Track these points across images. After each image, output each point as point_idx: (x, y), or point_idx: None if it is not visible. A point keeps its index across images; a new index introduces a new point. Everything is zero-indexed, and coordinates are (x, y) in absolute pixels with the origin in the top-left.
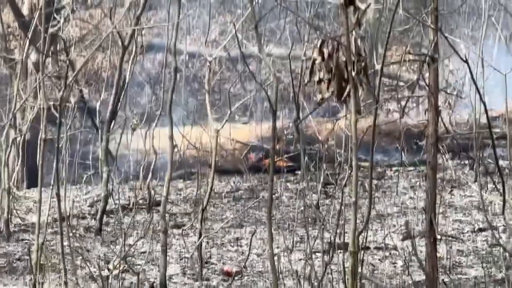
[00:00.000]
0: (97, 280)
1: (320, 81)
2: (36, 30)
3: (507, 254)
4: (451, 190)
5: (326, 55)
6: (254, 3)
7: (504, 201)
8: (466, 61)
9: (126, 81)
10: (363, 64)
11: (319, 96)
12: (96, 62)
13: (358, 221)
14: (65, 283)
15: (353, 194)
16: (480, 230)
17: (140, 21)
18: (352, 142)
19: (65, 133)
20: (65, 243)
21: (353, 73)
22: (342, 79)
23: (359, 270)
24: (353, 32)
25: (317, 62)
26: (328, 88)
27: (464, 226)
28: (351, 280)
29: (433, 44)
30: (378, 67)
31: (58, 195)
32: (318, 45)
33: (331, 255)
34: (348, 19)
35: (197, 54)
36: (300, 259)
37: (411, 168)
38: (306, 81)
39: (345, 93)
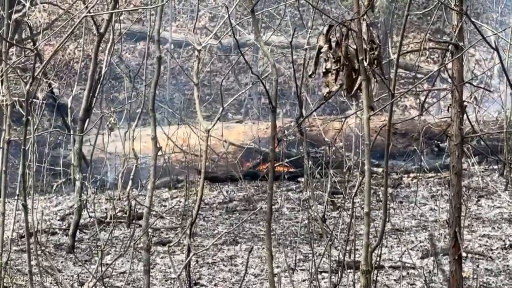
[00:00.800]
0: None
1: (327, 72)
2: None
3: None
4: (478, 200)
5: (334, 43)
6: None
7: None
8: (496, 49)
9: (102, 74)
10: (376, 53)
11: (325, 90)
12: (67, 52)
13: (371, 236)
14: None
15: (365, 204)
16: None
17: (118, 5)
18: (364, 143)
19: (32, 134)
20: (33, 262)
21: (365, 64)
22: (352, 70)
23: None
24: (365, 17)
25: (323, 50)
26: (336, 80)
27: (493, 242)
28: None
29: (457, 30)
30: (393, 56)
31: (24, 206)
32: (325, 32)
33: (340, 275)
34: (359, 1)
35: (184, 43)
36: (304, 280)
37: (432, 175)
38: (310, 72)
39: (356, 86)
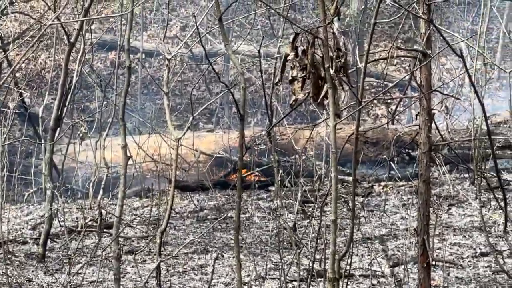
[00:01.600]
0: None
1: (293, 80)
2: None
3: None
4: (449, 209)
5: (300, 51)
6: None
7: (506, 220)
8: (461, 57)
9: (73, 83)
10: (342, 61)
11: (292, 98)
12: (39, 62)
13: (341, 244)
14: None
15: (332, 212)
16: (482, 254)
17: (89, 14)
18: (331, 150)
19: (1, 143)
20: (2, 271)
21: (331, 71)
22: (319, 78)
23: None
24: (332, 25)
25: (289, 58)
26: (302, 88)
27: (464, 250)
28: None
29: (425, 38)
30: (361, 65)
31: None
32: (291, 39)
33: (308, 284)
34: (325, 9)
35: (155, 53)
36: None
37: (403, 183)
38: (277, 80)
39: (322, 94)
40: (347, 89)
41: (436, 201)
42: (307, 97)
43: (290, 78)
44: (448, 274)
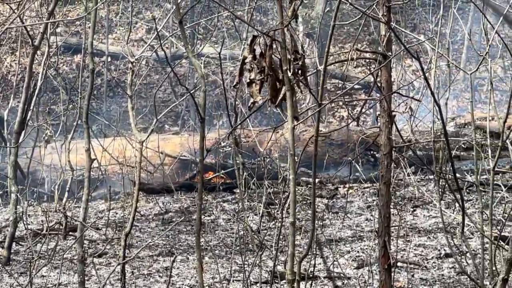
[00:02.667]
0: None
1: (251, 82)
2: None
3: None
4: (414, 210)
5: (258, 53)
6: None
7: (463, 221)
8: (417, 59)
9: (38, 86)
10: (300, 63)
11: (251, 101)
12: (4, 65)
13: (305, 245)
14: None
15: (290, 214)
16: (447, 255)
17: (54, 17)
18: (289, 153)
19: None
20: None
21: (289, 74)
22: (277, 80)
23: None
24: (289, 26)
25: (247, 61)
26: (260, 90)
27: (428, 252)
28: None
29: (385, 40)
30: (321, 67)
31: None
32: (249, 42)
33: (271, 285)
34: (283, 10)
35: (121, 55)
36: None
37: (368, 185)
38: (235, 83)
39: (280, 97)
40: (305, 91)
41: (401, 203)
42: (265, 100)
43: (248, 80)
44: (413, 276)
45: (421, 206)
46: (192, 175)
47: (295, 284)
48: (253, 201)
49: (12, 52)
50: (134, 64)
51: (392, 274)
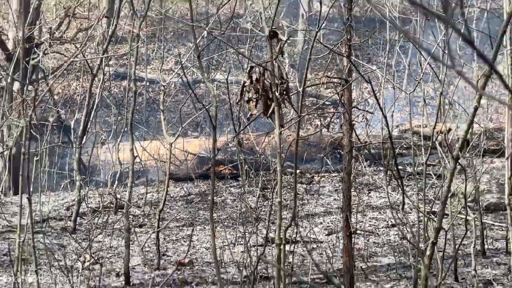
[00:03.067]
0: (70, 271)
1: (249, 100)
2: (18, 61)
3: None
4: (369, 193)
5: (254, 79)
6: (197, 40)
7: (403, 200)
8: (369, 82)
9: (95, 104)
10: (285, 86)
11: (249, 113)
12: (71, 88)
13: (288, 218)
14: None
15: (278, 195)
16: (393, 225)
17: (107, 53)
18: (277, 151)
19: (39, 147)
20: (47, 241)
21: (277, 94)
22: (268, 98)
23: (289, 259)
24: (277, 59)
25: (246, 84)
26: (256, 106)
27: (379, 223)
28: (277, 268)
29: (347, 69)
30: (300, 89)
31: (29, 199)
32: (248, 70)
33: (264, 248)
34: (272, 48)
35: (156, 81)
36: (241, 251)
37: (335, 174)
38: (237, 101)
39: (270, 110)
40: (289, 106)
41: (359, 187)
42: (260, 113)
43: (246, 99)
44: (368, 240)
45: (374, 190)
46: (207, 167)
47: (281, 247)
48: (252, 186)
49: (77, 78)
50: (165, 87)
51: (353, 239)
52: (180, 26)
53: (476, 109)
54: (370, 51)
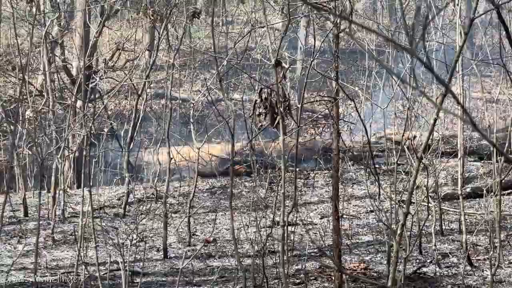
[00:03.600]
0: (122, 247)
1: (259, 114)
2: (80, 85)
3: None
4: (352, 185)
5: (263, 98)
6: (219, 67)
7: (379, 191)
8: (352, 100)
9: (140, 117)
10: (287, 103)
11: (259, 124)
12: (122, 106)
13: (289, 206)
14: (95, 247)
15: (282, 188)
16: (371, 211)
17: (149, 77)
18: (282, 154)
19: (97, 151)
20: (103, 223)
21: (281, 109)
22: (274, 113)
23: (291, 237)
24: (281, 83)
25: (257, 102)
26: (265, 119)
27: (361, 209)
28: (281, 244)
29: (335, 90)
30: (298, 105)
31: (89, 191)
32: (258, 91)
33: (271, 229)
34: (277, 74)
35: (187, 99)
36: (254, 232)
37: (326, 172)
38: (251, 114)
39: (276, 122)
40: (290, 119)
41: (345, 182)
42: (268, 124)
43: (257, 113)
44: (352, 223)
45: (356, 184)
46: (227, 166)
47: (285, 228)
48: (262, 181)
49: (125, 98)
50: (194, 104)
51: (340, 222)
52: (206, 57)
53: (435, 120)
54: (353, 76)
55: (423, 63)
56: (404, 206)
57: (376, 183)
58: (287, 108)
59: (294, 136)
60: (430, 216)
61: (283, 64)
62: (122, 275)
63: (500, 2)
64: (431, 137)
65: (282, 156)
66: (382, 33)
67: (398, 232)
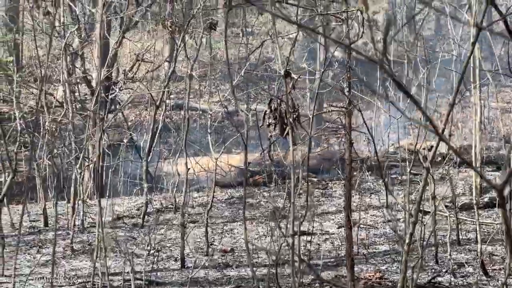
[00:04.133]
0: (131, 256)
1: (269, 124)
2: (99, 96)
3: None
4: (370, 195)
5: (273, 108)
6: (234, 82)
7: (386, 200)
8: (359, 110)
9: (159, 128)
10: (296, 114)
11: (269, 134)
12: (141, 117)
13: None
14: (111, 257)
15: (292, 197)
16: (389, 221)
17: (169, 89)
18: (291, 163)
19: (115, 161)
20: (121, 233)
21: (290, 119)
22: (283, 123)
23: (308, 247)
24: (290, 93)
25: (267, 112)
26: (274, 129)
27: (378, 219)
28: (292, 253)
29: (347, 101)
30: (310, 115)
31: (100, 202)
32: (268, 102)
33: (292, 239)
34: (287, 85)
35: (207, 110)
36: (271, 242)
37: (344, 181)
38: (261, 124)
39: (285, 132)
40: (300, 129)
41: (362, 191)
42: (279, 135)
43: (267, 123)
44: (369, 232)
45: (374, 193)
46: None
47: (294, 237)
48: (280, 191)
49: (145, 108)
50: (212, 115)
51: (357, 231)
52: (224, 68)
53: (443, 131)
54: (375, 85)
55: (392, 76)
56: (413, 216)
57: (393, 192)
58: (296, 118)
59: (313, 146)
60: (447, 226)
61: (292, 75)
62: (132, 285)
63: (507, 12)
64: (438, 147)
65: (291, 166)
66: (356, 49)
67: (407, 241)
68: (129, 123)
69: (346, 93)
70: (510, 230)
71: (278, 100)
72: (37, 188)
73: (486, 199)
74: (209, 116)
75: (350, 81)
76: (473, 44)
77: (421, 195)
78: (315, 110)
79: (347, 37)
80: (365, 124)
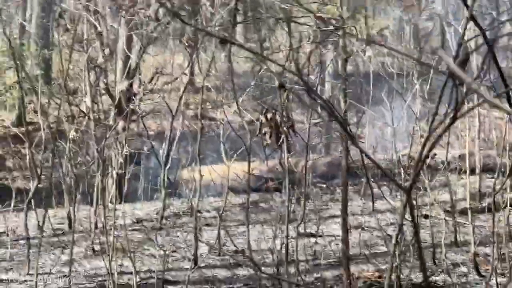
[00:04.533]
0: (157, 258)
1: (265, 133)
2: (121, 106)
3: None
4: (376, 201)
5: (269, 118)
6: (239, 100)
7: (373, 204)
8: (341, 122)
9: (176, 138)
10: (290, 123)
11: (265, 143)
12: (162, 126)
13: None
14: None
15: (286, 203)
16: (392, 224)
17: (182, 100)
18: (285, 172)
19: (141, 168)
20: (140, 236)
21: (284, 129)
22: (278, 132)
23: (315, 248)
24: (284, 104)
25: (263, 122)
26: (270, 137)
27: (381, 222)
28: (296, 253)
29: (343, 110)
30: (307, 126)
31: (102, 208)
32: (264, 112)
33: (297, 240)
34: (281, 96)
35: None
36: (282, 243)
37: (351, 187)
38: (257, 133)
39: (280, 141)
40: (292, 138)
41: (365, 197)
42: (276, 145)
43: (263, 132)
44: (372, 234)
45: (379, 199)
46: (260, 183)
47: (297, 240)
48: (291, 197)
49: (164, 118)
50: (224, 123)
51: (358, 234)
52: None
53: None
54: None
55: (320, 97)
56: (424, 220)
57: (397, 197)
58: (290, 128)
59: (321, 153)
60: (446, 229)
61: (287, 86)
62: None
63: (487, 28)
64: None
65: (285, 174)
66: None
67: (393, 242)
68: (150, 132)
69: (342, 103)
70: (494, 233)
71: (274, 111)
72: (65, 194)
73: (484, 204)
74: (222, 125)
75: (345, 92)
76: (455, 58)
77: (406, 203)
78: (309, 120)
79: (343, 51)
80: (350, 136)
